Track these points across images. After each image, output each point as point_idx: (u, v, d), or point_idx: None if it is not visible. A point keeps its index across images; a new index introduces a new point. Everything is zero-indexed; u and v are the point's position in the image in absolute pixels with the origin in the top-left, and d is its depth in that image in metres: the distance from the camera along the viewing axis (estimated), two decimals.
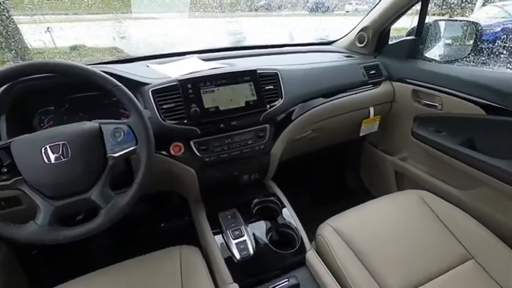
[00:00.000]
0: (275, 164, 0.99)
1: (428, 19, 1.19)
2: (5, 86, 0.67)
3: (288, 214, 0.92)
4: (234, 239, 0.82)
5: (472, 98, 0.95)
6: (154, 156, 0.73)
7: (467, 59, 1.17)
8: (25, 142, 0.56)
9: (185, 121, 0.78)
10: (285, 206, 0.94)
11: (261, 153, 0.92)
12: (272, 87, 0.91)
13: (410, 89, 1.15)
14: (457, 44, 1.27)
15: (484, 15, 3.55)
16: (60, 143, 0.56)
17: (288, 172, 1.16)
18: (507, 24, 3.20)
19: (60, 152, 0.56)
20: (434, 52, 1.25)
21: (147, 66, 1.00)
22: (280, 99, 0.91)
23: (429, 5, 1.13)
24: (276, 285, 0.72)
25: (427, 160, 1.16)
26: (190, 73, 0.86)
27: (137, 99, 0.78)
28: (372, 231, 0.85)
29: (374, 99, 1.17)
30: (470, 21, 1.25)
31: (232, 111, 0.82)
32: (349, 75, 1.13)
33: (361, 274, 0.74)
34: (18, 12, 1.26)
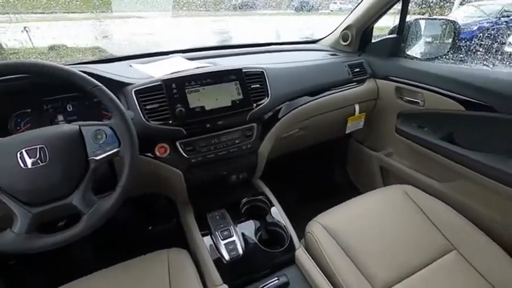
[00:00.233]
0: (263, 163, 0.99)
1: (410, 18, 1.22)
2: None
3: (277, 213, 0.92)
4: (222, 240, 0.81)
5: (451, 94, 0.98)
6: (139, 158, 0.71)
7: (447, 57, 1.21)
8: None
9: (170, 121, 0.77)
10: (273, 205, 0.94)
11: (249, 152, 0.92)
12: (258, 86, 0.90)
13: (394, 86, 1.18)
14: (437, 42, 1.31)
15: (461, 14, 3.69)
16: (37, 146, 0.54)
17: (276, 171, 1.16)
18: (483, 23, 3.35)
19: (37, 156, 0.53)
20: (416, 50, 1.28)
21: (130, 66, 0.97)
22: (266, 98, 0.90)
23: (410, 5, 1.16)
24: (266, 284, 0.72)
25: (410, 155, 1.19)
26: (175, 73, 0.85)
27: (120, 100, 0.75)
28: (359, 226, 0.86)
29: (359, 96, 1.19)
30: (448, 20, 1.29)
31: (218, 111, 0.81)
32: (334, 73, 1.15)
33: (350, 269, 0.76)
34: None
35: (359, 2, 1.22)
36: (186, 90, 0.79)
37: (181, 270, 0.73)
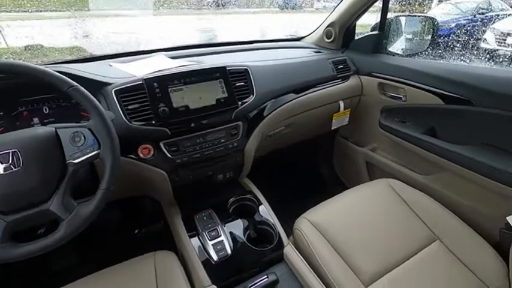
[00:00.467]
0: (250, 161, 0.98)
1: (391, 16, 1.24)
2: None
3: (265, 211, 0.92)
4: (210, 240, 0.80)
5: (431, 89, 1.01)
6: (122, 160, 0.69)
7: (427, 52, 1.25)
8: None
9: (153, 122, 0.75)
10: (261, 203, 0.94)
11: (235, 151, 0.91)
12: (243, 83, 0.90)
13: (377, 82, 1.20)
14: (417, 38, 1.35)
15: (440, 12, 3.81)
16: (10, 151, 0.51)
17: (264, 169, 1.16)
18: (460, 20, 3.47)
19: (10, 162, 0.50)
20: (397, 46, 1.31)
21: (110, 66, 0.94)
22: (251, 96, 0.90)
23: (390, 2, 1.19)
24: (255, 283, 0.71)
25: (394, 149, 1.22)
26: (157, 71, 0.82)
27: (99, 100, 0.73)
28: (346, 221, 0.87)
29: (343, 93, 1.21)
30: (428, 17, 1.33)
31: (203, 110, 0.80)
32: (319, 70, 1.15)
33: (338, 264, 0.76)
34: None
35: None
36: (169, 89, 0.77)
37: (168, 273, 0.71)
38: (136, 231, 1.28)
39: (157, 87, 0.76)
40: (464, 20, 3.51)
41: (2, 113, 0.71)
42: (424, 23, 1.32)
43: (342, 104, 1.22)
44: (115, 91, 0.74)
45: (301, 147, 1.40)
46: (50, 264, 1.12)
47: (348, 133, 1.45)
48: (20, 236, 0.53)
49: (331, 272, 0.74)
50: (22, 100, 0.73)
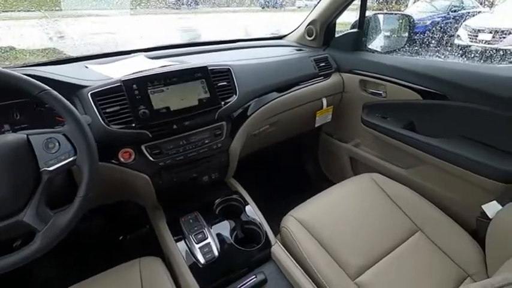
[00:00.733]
0: (235, 161, 0.98)
1: (370, 14, 1.27)
2: None
3: (252, 211, 0.91)
4: (197, 243, 0.79)
5: (410, 84, 1.04)
6: (101, 166, 0.67)
7: (404, 49, 1.28)
8: None
9: (133, 125, 0.72)
10: (248, 203, 0.94)
11: (219, 151, 0.90)
12: (225, 83, 0.89)
13: (358, 79, 1.22)
14: (395, 35, 1.38)
15: (416, 9, 3.94)
16: None
17: (249, 168, 1.15)
18: (434, 18, 3.61)
19: None
20: (376, 43, 1.34)
21: (86, 67, 0.91)
22: (234, 96, 0.89)
23: (369, 0, 1.21)
24: (244, 284, 0.71)
25: (376, 145, 1.25)
26: (136, 73, 0.80)
27: (75, 104, 0.71)
28: (331, 217, 0.89)
29: (325, 90, 1.22)
30: (404, 15, 1.37)
31: (185, 111, 0.79)
32: (301, 68, 1.16)
33: (325, 260, 0.77)
34: None
35: None
36: (149, 91, 0.75)
37: (154, 279, 0.70)
38: (120, 237, 1.24)
39: (136, 89, 0.74)
40: (439, 17, 3.65)
41: None
42: (401, 21, 1.35)
43: (324, 101, 1.23)
44: (91, 94, 0.71)
45: (286, 145, 1.41)
46: (29, 277, 1.07)
47: (331, 130, 1.47)
48: None
49: (319, 268, 0.75)
50: None
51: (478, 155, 0.86)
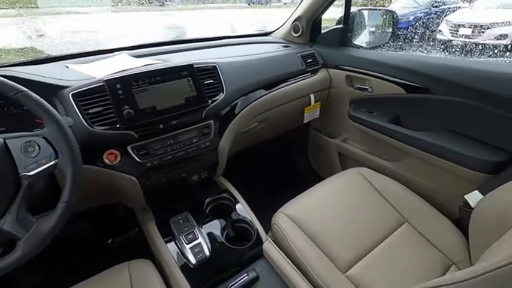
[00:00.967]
0: (224, 159, 0.97)
1: (355, 10, 1.28)
2: None
3: (242, 209, 0.91)
4: (187, 244, 0.78)
5: (394, 79, 1.06)
6: (86, 169, 0.65)
7: (388, 45, 1.30)
8: None
9: (118, 125, 0.71)
10: (238, 201, 0.93)
11: (208, 150, 0.89)
12: (212, 81, 0.88)
13: (344, 75, 1.23)
14: (379, 31, 1.40)
15: (399, 5, 4.01)
16: None
17: (239, 166, 1.15)
18: (417, 13, 3.68)
19: None
20: (361, 39, 1.36)
21: (66, 67, 0.88)
22: (221, 93, 0.88)
23: None
24: (236, 282, 0.71)
25: (364, 139, 1.27)
26: (119, 72, 0.78)
27: (55, 105, 0.68)
28: (321, 212, 0.90)
29: (313, 86, 1.23)
30: (388, 10, 1.39)
31: (172, 110, 0.77)
32: (288, 64, 1.16)
33: (316, 255, 0.78)
34: None
35: None
36: (134, 90, 0.73)
37: (145, 282, 0.69)
38: (109, 241, 1.21)
39: (120, 89, 0.72)
40: (421, 12, 3.73)
41: None
42: (385, 16, 1.38)
43: (312, 97, 1.24)
44: (73, 95, 0.69)
45: (276, 142, 1.41)
46: (14, 284, 1.03)
47: (320, 125, 1.49)
48: None
49: (309, 262, 0.76)
50: None
51: (460, 147, 0.89)
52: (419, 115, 1.04)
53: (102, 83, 0.71)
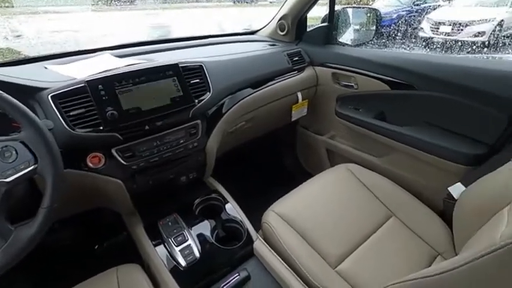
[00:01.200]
0: (212, 159, 0.96)
1: (339, 8, 1.30)
2: None
3: (232, 208, 0.91)
4: (177, 246, 0.77)
5: (379, 76, 1.08)
6: (68, 173, 0.63)
7: (372, 42, 1.33)
8: None
9: (101, 127, 0.69)
10: (227, 201, 0.93)
11: (196, 151, 0.88)
12: (198, 80, 0.87)
13: (330, 72, 1.25)
14: (364, 29, 1.42)
15: (382, 3, 4.10)
16: None
17: (228, 166, 1.14)
18: (399, 11, 3.77)
19: None
20: (346, 37, 1.37)
21: (45, 68, 0.84)
22: (208, 93, 0.87)
23: None
24: (227, 282, 0.70)
25: (351, 135, 1.29)
26: (102, 72, 0.76)
27: (33, 108, 0.66)
28: (311, 209, 0.90)
29: (300, 84, 1.23)
30: (371, 8, 1.41)
31: (157, 111, 0.76)
32: (274, 63, 1.16)
33: (306, 252, 0.79)
34: None
35: None
36: (117, 91, 0.71)
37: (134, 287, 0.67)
38: (96, 246, 1.18)
39: (102, 90, 0.69)
40: (403, 11, 3.82)
41: None
42: (368, 14, 1.40)
43: (299, 95, 1.25)
44: (52, 96, 0.66)
45: (264, 140, 1.41)
46: None
47: (307, 123, 1.50)
48: None
49: (300, 260, 0.76)
50: None
51: (442, 141, 0.92)
52: (403, 111, 1.07)
53: (83, 84, 0.69)
